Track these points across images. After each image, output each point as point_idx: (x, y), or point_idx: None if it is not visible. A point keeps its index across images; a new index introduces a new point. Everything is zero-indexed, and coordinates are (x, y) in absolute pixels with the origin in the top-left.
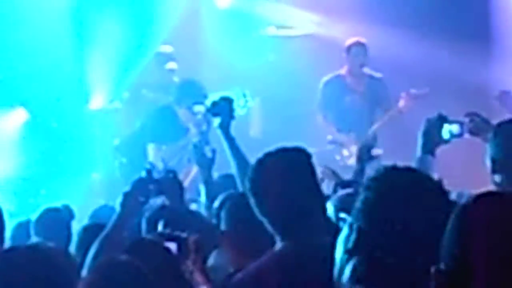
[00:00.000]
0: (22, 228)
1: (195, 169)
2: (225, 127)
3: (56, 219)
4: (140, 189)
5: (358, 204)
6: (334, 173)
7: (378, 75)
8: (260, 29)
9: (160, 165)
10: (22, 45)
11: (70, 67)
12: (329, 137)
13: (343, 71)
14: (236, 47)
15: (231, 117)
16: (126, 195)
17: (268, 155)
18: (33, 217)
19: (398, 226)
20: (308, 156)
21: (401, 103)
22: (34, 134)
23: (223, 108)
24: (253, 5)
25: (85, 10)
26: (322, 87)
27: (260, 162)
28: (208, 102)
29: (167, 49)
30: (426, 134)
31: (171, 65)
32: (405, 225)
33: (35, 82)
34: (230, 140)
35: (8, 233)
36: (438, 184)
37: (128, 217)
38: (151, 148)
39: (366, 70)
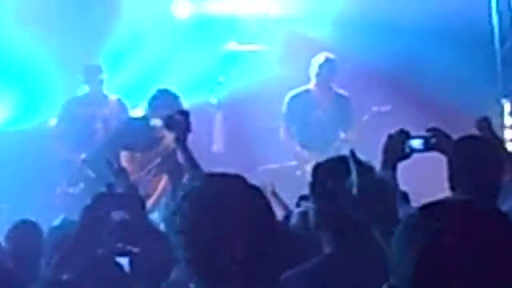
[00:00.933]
0: None
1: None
2: (181, 141)
3: (30, 234)
4: (101, 204)
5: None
6: (275, 194)
7: (344, 93)
8: (221, 42)
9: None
10: None
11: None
12: (298, 149)
13: (310, 85)
14: (198, 60)
15: (188, 130)
16: (86, 209)
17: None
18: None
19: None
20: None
21: (351, 134)
22: None
23: (179, 122)
24: (214, 18)
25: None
26: (288, 101)
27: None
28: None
29: (94, 61)
30: (387, 149)
31: (102, 76)
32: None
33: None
34: (187, 154)
35: None
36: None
37: (89, 232)
38: (123, 156)
39: (333, 86)
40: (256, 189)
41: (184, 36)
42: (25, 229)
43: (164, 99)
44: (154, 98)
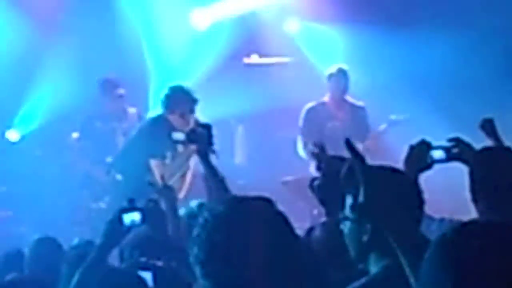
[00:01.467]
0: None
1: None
2: (203, 154)
3: (51, 250)
4: (123, 218)
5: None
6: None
7: (360, 103)
8: (242, 54)
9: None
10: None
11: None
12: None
13: (326, 98)
14: (218, 74)
15: (210, 143)
16: (109, 224)
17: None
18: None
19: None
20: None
21: (368, 142)
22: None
23: (201, 135)
24: (234, 30)
25: None
26: (305, 113)
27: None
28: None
29: (112, 75)
30: (408, 160)
31: (120, 91)
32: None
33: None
34: (210, 168)
35: None
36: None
37: (111, 246)
38: (154, 166)
39: (348, 97)
40: (280, 214)
41: (204, 47)
42: (45, 246)
43: (177, 97)
44: (167, 97)
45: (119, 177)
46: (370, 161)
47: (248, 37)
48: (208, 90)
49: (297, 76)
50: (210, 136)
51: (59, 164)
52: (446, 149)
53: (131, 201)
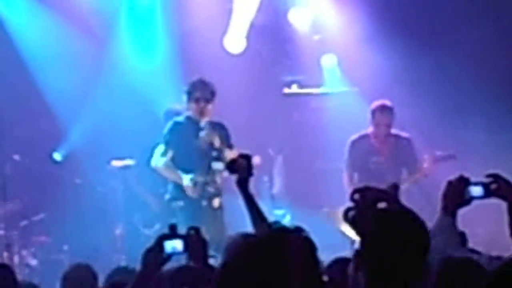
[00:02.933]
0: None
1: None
2: (243, 184)
3: (84, 277)
4: (164, 245)
5: None
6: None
7: (404, 135)
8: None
9: None
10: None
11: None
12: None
13: (369, 130)
14: (257, 105)
15: (249, 173)
16: (148, 251)
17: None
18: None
19: None
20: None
21: (426, 165)
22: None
23: (241, 165)
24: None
25: None
26: (349, 146)
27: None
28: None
29: (177, 106)
30: (446, 196)
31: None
32: None
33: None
34: (248, 197)
35: None
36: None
37: (150, 274)
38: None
39: (393, 130)
40: (312, 245)
41: (238, 73)
42: (79, 273)
43: (195, 85)
44: (190, 93)
45: (180, 203)
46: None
47: (287, 67)
48: (247, 119)
49: (337, 107)
50: (249, 166)
51: (99, 192)
52: (485, 186)
53: (172, 227)
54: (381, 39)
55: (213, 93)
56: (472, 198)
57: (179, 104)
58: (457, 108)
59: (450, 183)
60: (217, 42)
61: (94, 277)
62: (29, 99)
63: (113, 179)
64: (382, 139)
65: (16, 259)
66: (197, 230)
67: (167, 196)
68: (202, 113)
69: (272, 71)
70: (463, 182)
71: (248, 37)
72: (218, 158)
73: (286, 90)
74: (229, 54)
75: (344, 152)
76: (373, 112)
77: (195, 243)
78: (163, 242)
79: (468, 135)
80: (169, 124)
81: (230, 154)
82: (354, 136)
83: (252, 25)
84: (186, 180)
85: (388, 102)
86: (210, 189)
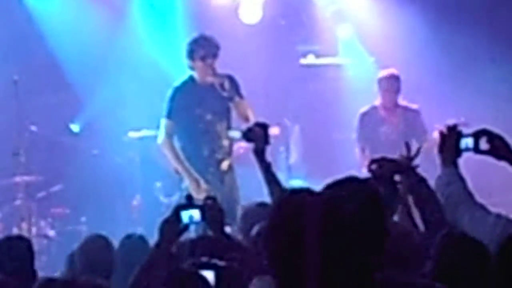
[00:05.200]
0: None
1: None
2: (260, 153)
3: (101, 248)
4: (181, 216)
5: None
6: None
7: (414, 106)
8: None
9: None
10: None
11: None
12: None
13: (377, 102)
14: (273, 75)
15: (266, 142)
16: (165, 222)
17: None
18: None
19: None
20: None
21: (435, 134)
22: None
23: (258, 134)
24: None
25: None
26: (359, 119)
27: None
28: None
29: None
30: (442, 148)
31: None
32: None
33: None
34: (265, 166)
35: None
36: None
37: (167, 245)
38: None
39: (401, 101)
40: (331, 205)
41: (255, 43)
42: (96, 244)
43: (203, 42)
44: (193, 51)
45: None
46: (425, 164)
47: (304, 35)
48: (264, 90)
49: (353, 77)
50: (266, 135)
51: (116, 163)
52: (475, 137)
53: (189, 197)
54: (397, 8)
55: (218, 47)
56: (461, 150)
57: None
58: (474, 76)
59: (443, 135)
60: (233, 12)
61: (110, 248)
62: (47, 70)
63: (131, 150)
64: (390, 109)
65: (33, 230)
66: (213, 199)
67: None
68: (210, 70)
69: (288, 41)
70: (455, 133)
71: (263, 7)
72: (230, 99)
73: (303, 61)
74: (245, 24)
75: (354, 125)
76: (380, 80)
77: (212, 212)
78: (180, 212)
79: (481, 101)
80: (170, 92)
81: (242, 104)
82: (363, 109)
83: None
84: (192, 178)
85: (394, 70)
86: (217, 156)
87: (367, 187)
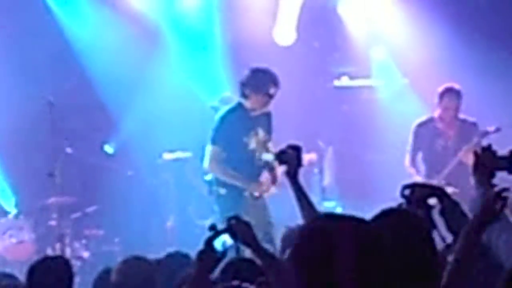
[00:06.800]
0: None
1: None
2: (292, 175)
3: (139, 268)
4: (213, 246)
5: None
6: None
7: (471, 119)
8: (330, 75)
9: None
10: None
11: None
12: (419, 179)
13: (435, 114)
14: (307, 97)
15: (299, 164)
16: (200, 254)
17: None
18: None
19: None
20: None
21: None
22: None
23: (290, 156)
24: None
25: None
26: (414, 129)
27: None
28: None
29: (229, 94)
30: (476, 168)
31: None
32: None
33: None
34: (298, 188)
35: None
36: None
37: (205, 277)
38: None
39: (460, 114)
40: (366, 231)
41: (289, 65)
42: (134, 265)
43: (265, 76)
44: (255, 76)
45: (222, 191)
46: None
47: (337, 57)
48: (298, 111)
49: (387, 99)
50: (299, 157)
51: (150, 184)
52: (510, 159)
53: (212, 227)
54: (430, 29)
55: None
56: (496, 169)
57: (232, 93)
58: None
59: (476, 155)
60: (268, 34)
61: (147, 269)
62: (81, 92)
63: (165, 171)
64: (448, 122)
65: (68, 251)
66: (236, 217)
67: (208, 177)
68: (264, 107)
69: (322, 63)
70: (491, 154)
71: (298, 29)
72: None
73: (336, 82)
74: (279, 46)
75: (401, 137)
76: (441, 95)
77: (241, 229)
78: (211, 242)
79: None
80: (220, 118)
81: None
82: (420, 120)
83: (301, 17)
84: (248, 182)
85: (456, 85)
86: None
87: (407, 218)
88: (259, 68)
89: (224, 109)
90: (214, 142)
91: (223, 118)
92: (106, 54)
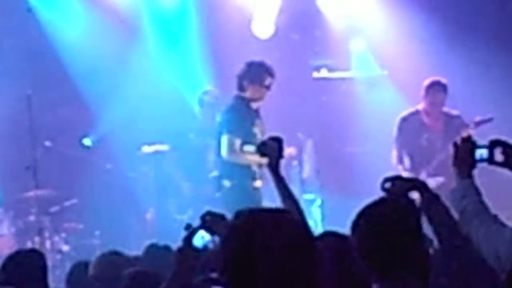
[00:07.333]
0: (81, 268)
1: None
2: (274, 167)
3: (113, 264)
4: (193, 243)
5: None
6: None
7: (455, 112)
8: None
9: None
10: None
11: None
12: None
13: (419, 107)
14: (287, 89)
15: (280, 156)
16: (179, 252)
17: None
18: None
19: None
20: None
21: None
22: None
23: (272, 148)
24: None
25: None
26: (399, 123)
27: None
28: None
29: (212, 89)
30: (456, 159)
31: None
32: None
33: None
34: (280, 180)
35: (63, 273)
36: None
37: (185, 273)
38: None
39: (444, 107)
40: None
41: (267, 58)
42: (108, 260)
43: (261, 68)
44: (261, 75)
45: (228, 184)
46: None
47: (316, 50)
48: (277, 104)
49: (366, 91)
50: (280, 149)
51: (129, 177)
52: (490, 148)
53: (188, 227)
54: (410, 21)
55: None
56: (475, 161)
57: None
58: (487, 89)
59: (455, 146)
60: (246, 27)
61: (122, 265)
62: (60, 85)
63: (144, 164)
64: (434, 116)
65: (47, 244)
66: (209, 213)
67: (215, 173)
68: (261, 100)
69: (301, 55)
70: (470, 144)
71: (276, 22)
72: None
73: (315, 74)
74: (258, 39)
75: (388, 127)
76: (428, 89)
77: (216, 223)
78: (190, 240)
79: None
80: (229, 110)
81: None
82: (404, 113)
83: (280, 10)
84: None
85: (442, 79)
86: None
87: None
88: (254, 61)
89: (230, 102)
90: (230, 131)
91: (233, 109)
92: (84, 47)
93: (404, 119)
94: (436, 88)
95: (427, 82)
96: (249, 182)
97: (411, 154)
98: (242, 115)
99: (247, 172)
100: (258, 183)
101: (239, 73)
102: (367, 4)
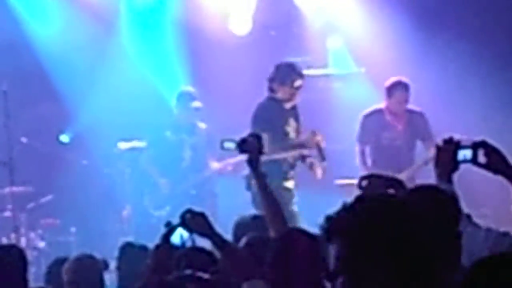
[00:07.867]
0: (59, 265)
1: None
2: (254, 163)
3: (90, 267)
4: (171, 241)
5: None
6: None
7: (417, 109)
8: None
9: None
10: None
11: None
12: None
13: (382, 105)
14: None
15: (260, 153)
16: (156, 249)
17: None
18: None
19: None
20: None
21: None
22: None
23: (251, 145)
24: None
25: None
26: (362, 120)
27: None
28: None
29: (190, 88)
30: (438, 161)
31: (196, 104)
32: None
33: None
34: (259, 176)
35: (42, 270)
36: None
37: (162, 267)
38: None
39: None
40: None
41: (244, 54)
42: (84, 264)
43: (291, 68)
44: (291, 76)
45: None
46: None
47: (294, 46)
48: (254, 100)
49: (343, 88)
50: (260, 145)
51: (106, 174)
52: (474, 149)
53: (167, 224)
54: (387, 18)
55: None
56: (459, 162)
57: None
58: (463, 88)
59: (439, 148)
60: (223, 23)
61: (98, 269)
62: (36, 81)
63: (120, 160)
64: (398, 115)
65: (23, 241)
66: (189, 211)
67: (244, 172)
68: (292, 100)
69: (278, 52)
70: (453, 146)
71: (253, 18)
72: None
73: None
74: (235, 35)
75: (357, 127)
76: (390, 88)
77: (195, 221)
78: (168, 237)
79: (470, 114)
80: (259, 109)
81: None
82: (367, 111)
83: (257, 6)
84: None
85: (404, 79)
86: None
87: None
88: (284, 62)
89: (261, 102)
90: (263, 130)
91: (262, 109)
92: (60, 43)
93: (366, 117)
94: (400, 87)
95: (389, 82)
96: (279, 182)
97: (373, 152)
98: (274, 114)
99: (277, 172)
100: (289, 184)
101: (269, 75)
102: (344, 2)
